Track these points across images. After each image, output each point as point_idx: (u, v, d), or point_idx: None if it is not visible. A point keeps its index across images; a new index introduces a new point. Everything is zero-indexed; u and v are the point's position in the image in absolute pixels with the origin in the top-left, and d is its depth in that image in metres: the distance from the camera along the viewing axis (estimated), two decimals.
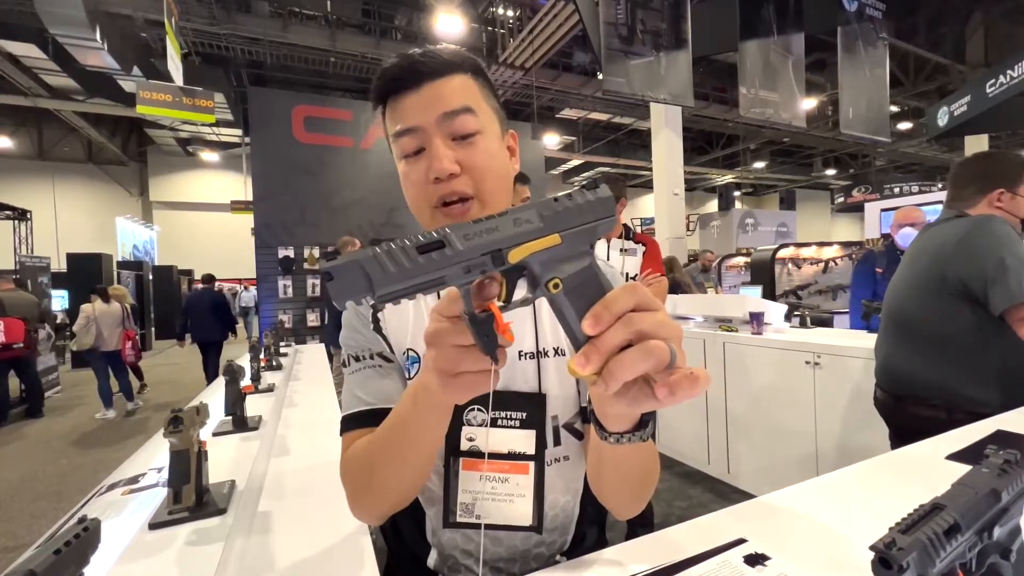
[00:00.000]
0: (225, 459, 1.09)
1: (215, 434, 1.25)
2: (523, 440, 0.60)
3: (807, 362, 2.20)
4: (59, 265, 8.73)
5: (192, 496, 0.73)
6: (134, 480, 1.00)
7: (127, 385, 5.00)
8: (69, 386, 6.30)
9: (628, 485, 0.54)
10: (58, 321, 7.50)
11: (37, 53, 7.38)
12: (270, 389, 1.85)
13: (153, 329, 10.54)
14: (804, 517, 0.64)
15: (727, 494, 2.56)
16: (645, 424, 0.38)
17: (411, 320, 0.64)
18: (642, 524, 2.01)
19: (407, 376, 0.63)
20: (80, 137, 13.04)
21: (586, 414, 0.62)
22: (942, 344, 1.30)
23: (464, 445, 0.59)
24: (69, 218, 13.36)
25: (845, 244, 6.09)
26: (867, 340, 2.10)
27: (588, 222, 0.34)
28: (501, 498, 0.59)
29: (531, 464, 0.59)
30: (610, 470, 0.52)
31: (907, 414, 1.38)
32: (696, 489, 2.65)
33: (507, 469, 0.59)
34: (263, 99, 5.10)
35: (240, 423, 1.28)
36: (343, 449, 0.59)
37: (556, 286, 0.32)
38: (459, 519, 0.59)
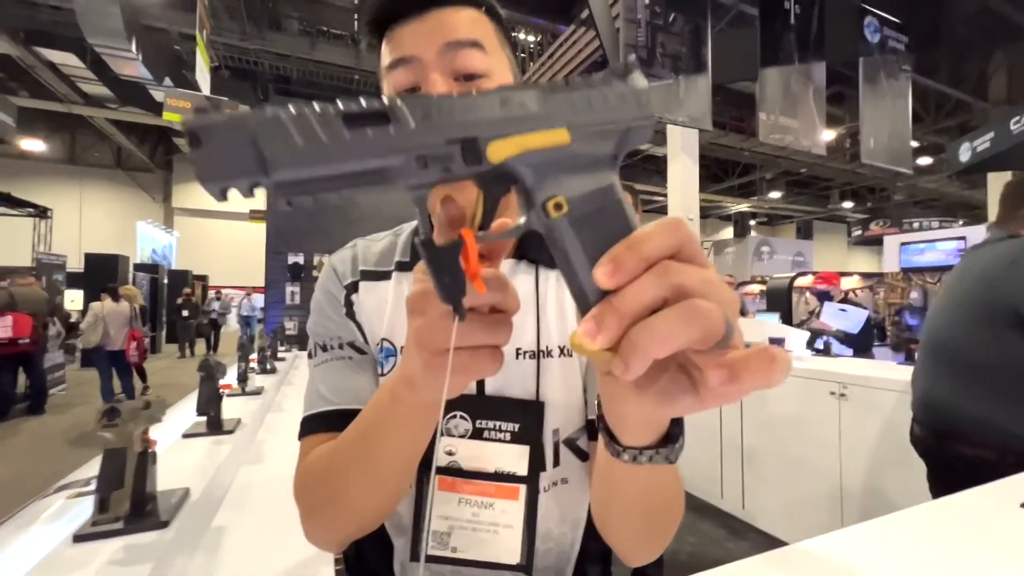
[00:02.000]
0: (189, 463, 0.99)
1: (185, 435, 1.16)
2: (514, 457, 0.49)
3: (832, 393, 2.05)
4: (79, 266, 8.93)
5: (125, 504, 0.62)
6: (88, 482, 0.90)
7: (129, 385, 4.98)
8: (74, 384, 6.29)
9: (642, 521, 0.41)
10: (71, 320, 7.59)
11: (75, 62, 7.70)
12: (258, 392, 1.76)
13: (164, 333, 10.55)
14: (849, 570, 0.52)
15: (741, 531, 2.38)
16: (674, 438, 0.27)
17: (390, 304, 0.54)
18: (652, 563, 1.85)
19: (380, 372, 0.53)
20: (111, 144, 13.52)
21: (593, 429, 0.51)
22: (988, 375, 1.18)
23: (441, 460, 0.49)
24: (93, 221, 13.78)
25: (866, 275, 5.93)
26: (899, 372, 1.95)
27: (614, 119, 0.21)
28: (483, 528, 0.48)
29: (522, 488, 0.49)
30: (620, 499, 0.39)
31: (950, 453, 1.25)
32: (707, 523, 2.47)
33: (492, 492, 0.49)
34: None
35: (215, 425, 1.18)
36: (300, 457, 0.49)
37: (558, 207, 0.21)
38: (431, 551, 0.48)
